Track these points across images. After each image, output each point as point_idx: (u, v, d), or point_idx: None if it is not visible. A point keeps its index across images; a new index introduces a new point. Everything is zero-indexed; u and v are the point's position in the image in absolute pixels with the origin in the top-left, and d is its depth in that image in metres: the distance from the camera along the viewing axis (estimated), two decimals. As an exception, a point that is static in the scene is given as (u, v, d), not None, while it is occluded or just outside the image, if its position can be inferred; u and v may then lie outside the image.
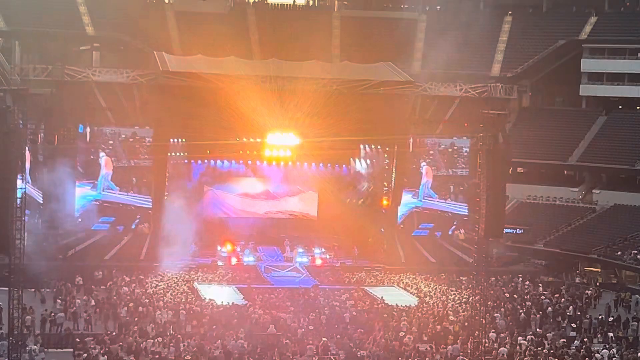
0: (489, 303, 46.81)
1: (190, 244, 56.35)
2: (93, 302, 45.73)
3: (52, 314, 42.67)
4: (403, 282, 54.64)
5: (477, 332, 39.34)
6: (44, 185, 53.68)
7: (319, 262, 57.94)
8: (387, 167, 60.41)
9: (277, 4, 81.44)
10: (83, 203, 55.56)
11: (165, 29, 72.25)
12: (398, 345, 39.72)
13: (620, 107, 73.22)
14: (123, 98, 56.91)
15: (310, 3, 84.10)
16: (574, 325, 44.87)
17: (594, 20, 75.33)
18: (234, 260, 56.64)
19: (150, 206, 56.88)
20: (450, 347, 40.16)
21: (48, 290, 47.63)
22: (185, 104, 54.36)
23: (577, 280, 56.15)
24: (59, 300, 45.58)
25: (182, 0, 79.65)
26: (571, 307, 48.27)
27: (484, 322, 39.73)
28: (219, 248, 58.18)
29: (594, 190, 66.86)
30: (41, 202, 53.48)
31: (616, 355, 39.36)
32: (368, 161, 61.68)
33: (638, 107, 72.97)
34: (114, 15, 71.17)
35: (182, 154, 59.14)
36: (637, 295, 52.22)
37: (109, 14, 71.11)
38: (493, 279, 52.64)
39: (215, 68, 57.23)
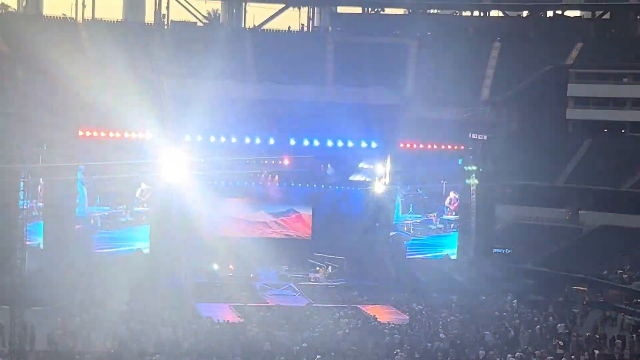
0: (478, 321, 47.03)
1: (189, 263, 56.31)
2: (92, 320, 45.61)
3: (53, 332, 42.51)
4: (395, 301, 54.59)
5: (467, 349, 39.28)
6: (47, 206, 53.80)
7: (312, 280, 57.93)
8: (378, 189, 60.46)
9: (273, 29, 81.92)
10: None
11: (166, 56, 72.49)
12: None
13: (605, 130, 73.43)
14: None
15: (305, 29, 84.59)
16: (561, 343, 44.76)
17: (580, 46, 75.76)
18: (230, 279, 56.64)
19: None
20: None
21: (49, 308, 47.39)
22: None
23: (564, 299, 56.08)
24: (59, 319, 45.39)
25: (180, 26, 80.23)
26: (559, 325, 48.24)
27: (473, 339, 39.68)
28: (215, 267, 58.09)
29: (580, 211, 66.95)
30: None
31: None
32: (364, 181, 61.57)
33: (623, 131, 73.18)
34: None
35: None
36: (622, 314, 52.28)
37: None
38: (483, 297, 52.62)
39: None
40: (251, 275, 57.74)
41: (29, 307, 39.31)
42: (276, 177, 61.02)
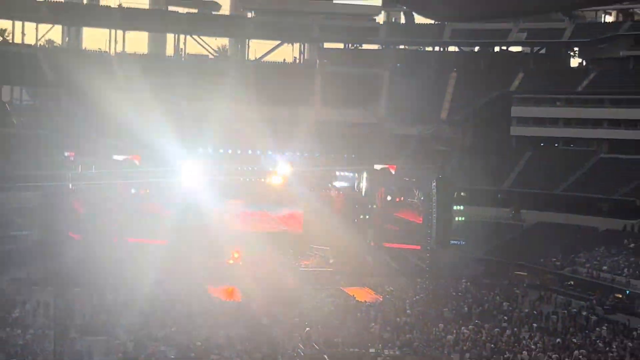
0: (438, 300, 47.16)
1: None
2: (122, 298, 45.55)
3: (89, 308, 42.45)
4: (371, 284, 54.61)
5: (429, 323, 39.40)
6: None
7: (303, 267, 57.87)
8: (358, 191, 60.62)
9: (271, 61, 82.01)
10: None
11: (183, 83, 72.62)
12: (366, 333, 39.75)
13: (542, 144, 73.67)
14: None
15: (297, 61, 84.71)
16: (506, 317, 44.95)
17: (521, 76, 75.99)
18: (237, 265, 56.57)
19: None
20: (408, 335, 40.18)
21: (87, 289, 47.28)
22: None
23: (508, 282, 56.24)
24: (95, 298, 45.29)
25: (195, 58, 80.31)
26: (504, 303, 48.41)
27: (434, 315, 39.79)
28: (223, 256, 58.05)
29: (522, 210, 67.09)
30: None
31: (539, 342, 39.49)
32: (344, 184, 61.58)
33: (556, 145, 73.42)
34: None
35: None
36: (555, 294, 52.48)
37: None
38: (442, 280, 52.74)
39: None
40: (254, 263, 57.54)
41: (70, 287, 39.23)
42: (272, 181, 60.91)
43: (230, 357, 34.89)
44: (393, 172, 60.15)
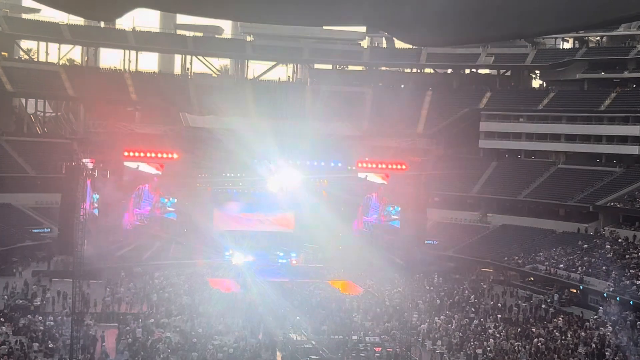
0: (414, 293, 47.09)
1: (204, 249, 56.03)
2: (133, 290, 45.43)
3: (103, 298, 42.33)
4: (354, 278, 54.49)
5: (405, 313, 39.38)
6: (100, 206, 53.52)
7: (294, 262, 57.78)
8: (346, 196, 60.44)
9: (268, 80, 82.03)
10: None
11: (188, 96, 72.51)
12: (350, 322, 39.71)
13: (507, 155, 73.85)
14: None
15: (291, 80, 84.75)
16: (473, 309, 44.98)
17: (489, 95, 76.21)
18: (234, 260, 56.38)
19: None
20: (386, 323, 40.16)
21: (100, 281, 47.18)
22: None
23: (476, 277, 56.28)
24: (107, 289, 45.19)
25: (200, 76, 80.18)
26: (472, 296, 48.44)
27: (410, 306, 39.77)
28: (224, 252, 57.87)
29: (488, 214, 67.18)
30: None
31: (502, 331, 39.53)
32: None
33: (519, 156, 73.64)
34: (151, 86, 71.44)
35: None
36: (517, 289, 52.52)
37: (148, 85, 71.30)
38: (417, 275, 52.71)
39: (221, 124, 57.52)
40: (251, 258, 57.36)
41: (86, 280, 39.07)
42: (269, 187, 60.77)
43: (228, 342, 34.78)
44: (386, 182, 59.95)
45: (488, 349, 35.90)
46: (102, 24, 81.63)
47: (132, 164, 54.74)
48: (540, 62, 76.86)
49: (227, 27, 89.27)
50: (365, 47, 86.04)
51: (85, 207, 36.13)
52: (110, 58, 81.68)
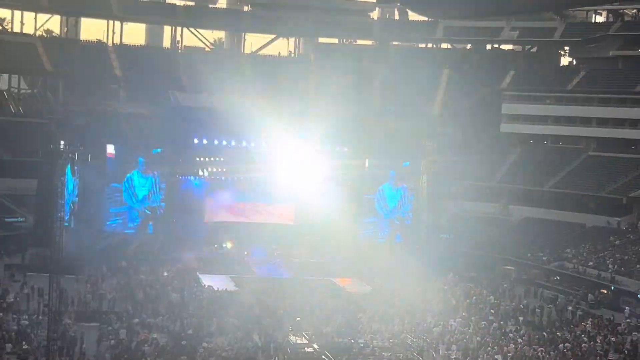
0: (427, 293, 47.20)
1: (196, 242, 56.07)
2: (116, 286, 45.53)
3: (83, 296, 42.46)
4: (360, 276, 54.62)
5: (417, 314, 39.43)
6: (80, 193, 53.64)
7: (294, 258, 57.76)
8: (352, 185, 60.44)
9: (266, 55, 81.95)
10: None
11: (178, 73, 72.50)
12: (355, 324, 39.80)
13: (531, 141, 73.80)
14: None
15: (292, 55, 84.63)
16: (492, 311, 45.05)
17: (512, 74, 76.06)
18: (227, 255, 56.53)
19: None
20: (396, 326, 40.24)
21: (80, 276, 47.27)
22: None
23: (495, 276, 56.32)
24: (88, 285, 45.30)
25: (191, 50, 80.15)
26: (491, 296, 48.50)
27: (422, 307, 39.82)
28: (216, 245, 57.94)
29: (509, 206, 67.21)
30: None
31: (525, 335, 39.59)
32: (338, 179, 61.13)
33: (545, 142, 73.58)
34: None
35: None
36: (541, 289, 52.60)
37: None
38: (431, 273, 52.68)
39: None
40: (246, 253, 57.58)
41: (64, 275, 39.17)
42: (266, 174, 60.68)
43: (221, 345, 34.90)
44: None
45: (509, 354, 35.96)
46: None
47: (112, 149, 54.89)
48: (570, 37, 76.58)
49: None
50: (376, 19, 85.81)
51: (64, 195, 36.13)
52: (92, 29, 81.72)
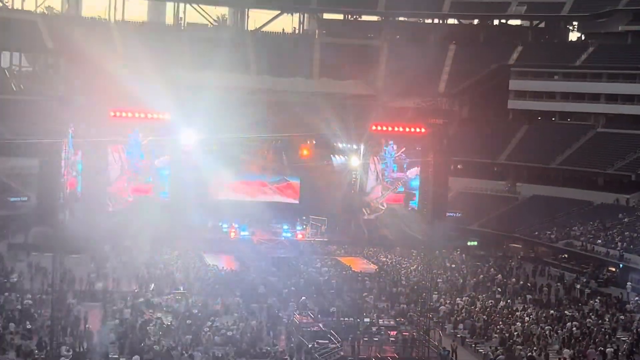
0: (433, 271, 47.13)
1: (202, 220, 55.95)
2: (120, 266, 45.52)
3: (87, 275, 42.48)
4: (366, 254, 54.65)
5: (424, 293, 39.38)
6: (84, 171, 53.60)
7: (299, 236, 57.62)
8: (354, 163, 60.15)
9: (270, 31, 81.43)
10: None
11: (181, 50, 72.13)
12: (361, 303, 39.80)
13: (539, 118, 73.56)
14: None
15: (297, 31, 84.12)
16: (500, 289, 45.06)
17: (520, 49, 75.61)
18: (232, 234, 56.44)
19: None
20: (402, 305, 40.24)
21: (84, 255, 47.23)
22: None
23: (503, 254, 56.31)
24: (92, 264, 45.31)
25: (194, 27, 79.69)
26: (498, 275, 48.50)
27: (429, 285, 39.76)
28: (220, 224, 57.79)
29: (517, 184, 67.09)
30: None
31: (532, 314, 39.58)
32: (344, 158, 60.80)
33: (553, 119, 73.31)
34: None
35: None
36: (549, 267, 52.58)
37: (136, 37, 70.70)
38: (437, 251, 52.74)
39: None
40: (253, 235, 57.06)
41: (69, 254, 39.19)
42: (271, 151, 60.48)
43: (227, 324, 34.91)
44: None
45: (516, 333, 35.97)
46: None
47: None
48: (579, 12, 75.99)
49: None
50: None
51: (67, 173, 36.12)
52: (93, 6, 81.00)
